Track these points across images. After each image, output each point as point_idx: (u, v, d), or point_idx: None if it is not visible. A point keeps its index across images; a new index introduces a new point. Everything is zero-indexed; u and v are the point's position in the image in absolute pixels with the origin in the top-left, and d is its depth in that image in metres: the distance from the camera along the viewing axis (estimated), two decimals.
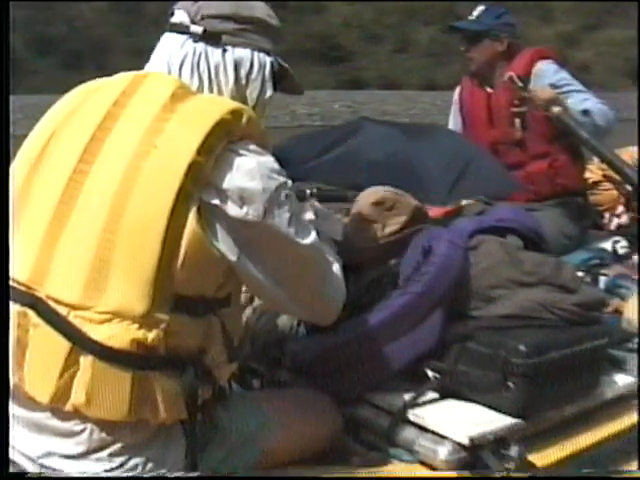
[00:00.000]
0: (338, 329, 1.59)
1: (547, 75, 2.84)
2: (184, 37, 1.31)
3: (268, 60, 1.36)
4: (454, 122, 3.13)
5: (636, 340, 2.11)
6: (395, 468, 1.44)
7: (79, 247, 1.16)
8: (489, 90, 2.96)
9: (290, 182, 1.27)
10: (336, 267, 1.37)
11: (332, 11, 46.36)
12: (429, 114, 18.82)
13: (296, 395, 1.50)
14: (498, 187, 2.26)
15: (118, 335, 1.12)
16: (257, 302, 1.75)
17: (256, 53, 1.34)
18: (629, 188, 3.46)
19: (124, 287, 1.12)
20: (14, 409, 1.20)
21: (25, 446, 1.19)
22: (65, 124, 1.28)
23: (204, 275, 1.18)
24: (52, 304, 1.14)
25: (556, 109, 2.65)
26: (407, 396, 1.52)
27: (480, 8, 2.94)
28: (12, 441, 1.19)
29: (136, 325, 1.12)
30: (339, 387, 1.56)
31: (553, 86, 2.78)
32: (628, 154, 3.56)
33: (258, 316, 1.74)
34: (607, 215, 3.45)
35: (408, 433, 1.48)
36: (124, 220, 1.14)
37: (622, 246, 2.87)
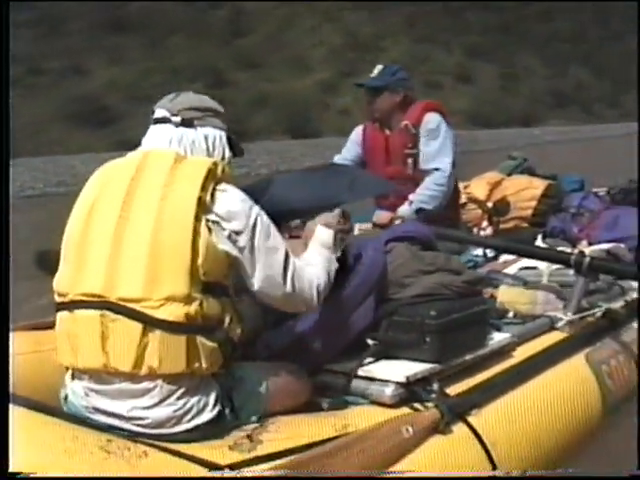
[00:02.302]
0: (299, 319, 2.18)
1: (432, 122, 3.59)
2: (167, 125, 1.93)
3: (223, 133, 1.99)
4: (349, 154, 3.82)
5: (509, 314, 2.83)
6: (354, 410, 2.02)
7: (135, 263, 1.71)
8: (387, 133, 3.67)
9: (256, 206, 1.87)
10: (324, 264, 1.94)
11: (95, 74, 45.70)
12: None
13: (277, 364, 2.05)
14: (381, 187, 3.12)
15: (173, 312, 1.67)
16: None
17: (216, 130, 1.97)
18: (490, 206, 4.27)
19: (171, 281, 1.69)
20: (98, 386, 1.71)
21: (113, 408, 1.70)
22: (104, 190, 1.84)
23: (216, 267, 1.75)
24: (123, 303, 1.68)
25: (397, 222, 3.40)
26: (356, 360, 2.12)
27: (379, 67, 3.67)
28: (100, 407, 1.71)
29: (182, 304, 1.68)
30: (304, 362, 2.13)
31: (431, 131, 3.53)
32: (487, 180, 4.37)
33: None
34: (475, 229, 4.22)
35: (360, 384, 2.06)
36: (163, 238, 1.71)
37: (490, 250, 3.62)
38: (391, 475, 1.77)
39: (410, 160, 3.55)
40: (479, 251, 3.64)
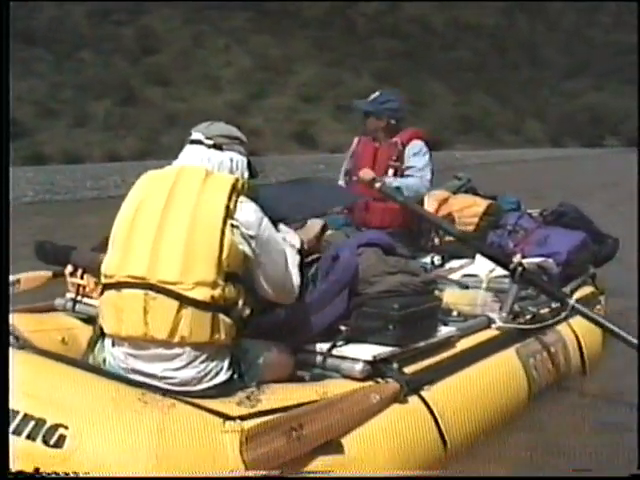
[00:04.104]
0: (285, 307, 2.62)
1: (414, 149, 4.14)
2: (201, 147, 2.36)
3: (245, 159, 2.43)
4: (347, 164, 4.36)
5: (453, 313, 3.32)
6: (331, 381, 2.46)
7: (173, 253, 2.12)
8: (377, 145, 4.21)
9: (266, 216, 2.29)
10: (296, 262, 2.39)
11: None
12: None
13: (271, 342, 2.48)
14: (347, 198, 3.80)
15: (202, 293, 2.10)
16: None
17: (239, 155, 2.41)
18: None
19: (202, 269, 2.11)
20: (136, 351, 2.13)
21: (149, 369, 2.12)
22: (148, 194, 2.26)
23: (235, 261, 2.17)
24: (162, 285, 2.10)
25: (377, 184, 3.88)
26: (330, 342, 2.57)
27: (376, 93, 4.23)
28: (138, 368, 2.12)
29: (209, 288, 2.10)
30: (287, 342, 2.56)
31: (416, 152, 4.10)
32: (435, 197, 4.86)
33: None
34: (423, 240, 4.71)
35: (334, 361, 2.52)
36: (196, 235, 2.13)
37: (437, 259, 4.13)
38: (391, 475, 2.22)
39: (391, 171, 4.06)
40: (427, 259, 4.16)
